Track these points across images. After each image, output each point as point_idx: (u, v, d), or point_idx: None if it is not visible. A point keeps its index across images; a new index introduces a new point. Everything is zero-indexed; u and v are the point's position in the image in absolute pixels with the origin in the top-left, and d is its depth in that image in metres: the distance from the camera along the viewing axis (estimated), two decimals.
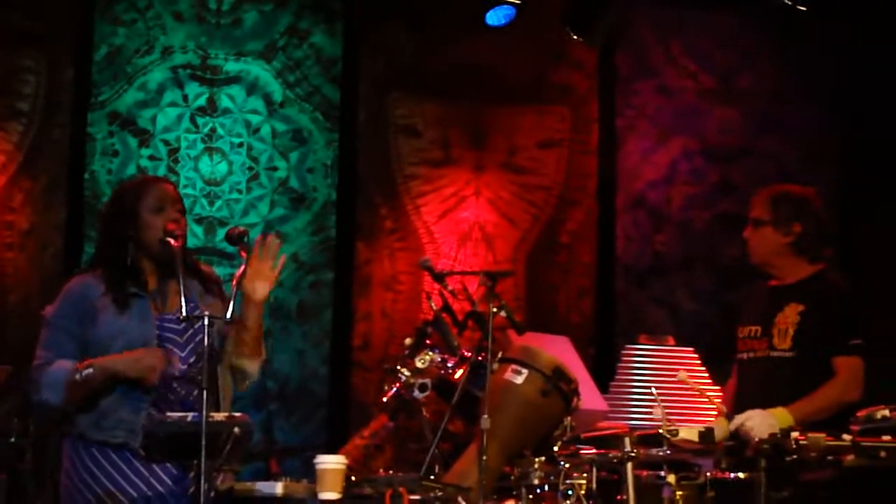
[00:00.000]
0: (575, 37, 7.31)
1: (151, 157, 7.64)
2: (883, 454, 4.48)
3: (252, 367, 4.55)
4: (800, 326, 5.33)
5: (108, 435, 4.33)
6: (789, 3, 7.36)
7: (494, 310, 4.66)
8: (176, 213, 4.49)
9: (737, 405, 5.28)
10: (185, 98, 7.71)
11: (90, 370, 4.28)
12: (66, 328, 4.43)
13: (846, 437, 4.52)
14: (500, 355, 4.77)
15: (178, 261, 4.34)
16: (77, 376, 4.28)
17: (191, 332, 4.40)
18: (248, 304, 4.40)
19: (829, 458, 4.50)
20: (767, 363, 5.39)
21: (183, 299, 4.21)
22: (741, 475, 4.70)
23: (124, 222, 4.49)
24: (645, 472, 4.73)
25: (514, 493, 4.57)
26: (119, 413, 4.33)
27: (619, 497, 4.65)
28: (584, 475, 4.58)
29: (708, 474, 4.73)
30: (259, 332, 4.51)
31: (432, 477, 4.40)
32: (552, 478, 4.55)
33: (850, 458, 4.50)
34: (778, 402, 5.11)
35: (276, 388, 7.55)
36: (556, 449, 4.71)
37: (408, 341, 5.09)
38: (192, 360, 4.40)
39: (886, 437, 4.57)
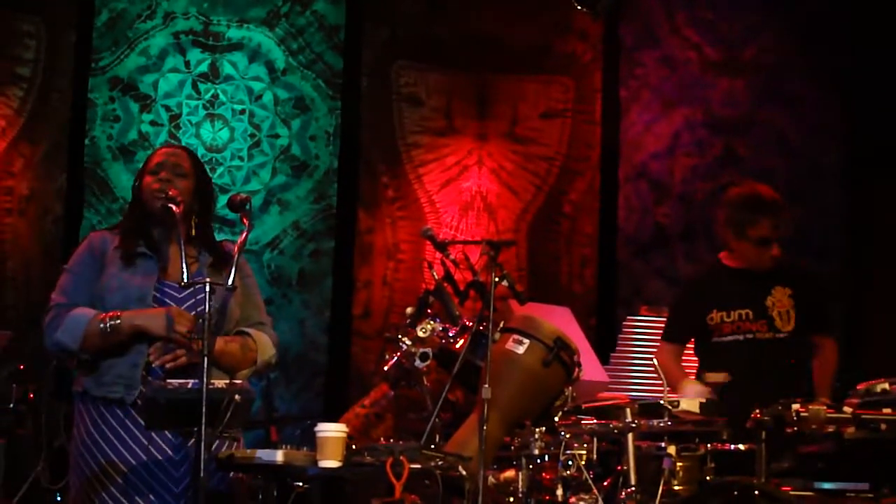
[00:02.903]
0: (579, 7, 7.27)
1: (153, 123, 7.63)
2: (884, 427, 4.47)
3: (238, 378, 4.51)
4: (797, 309, 5.70)
5: (107, 390, 4.34)
6: None
7: (496, 279, 4.64)
8: (166, 174, 4.49)
9: (739, 385, 5.30)
10: (188, 64, 7.69)
11: (118, 321, 4.28)
12: (82, 276, 4.46)
13: (847, 409, 4.51)
14: (501, 325, 4.75)
15: (178, 227, 4.32)
16: (102, 325, 4.28)
17: (192, 300, 4.39)
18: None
19: (830, 430, 4.49)
20: (771, 344, 5.68)
21: (184, 265, 4.20)
22: (741, 447, 4.70)
23: (137, 184, 4.55)
24: (646, 443, 4.73)
25: (515, 462, 4.56)
26: (117, 368, 4.34)
27: (619, 468, 4.65)
28: (585, 445, 4.58)
29: (708, 445, 4.73)
30: (224, 362, 4.45)
31: (433, 446, 4.39)
32: (553, 448, 4.54)
33: (851, 430, 4.49)
34: (782, 381, 5.48)
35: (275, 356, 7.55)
36: (556, 419, 4.70)
37: (409, 310, 5.07)
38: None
39: (887, 410, 4.56)
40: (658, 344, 6.03)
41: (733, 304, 5.73)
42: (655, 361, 5.09)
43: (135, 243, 4.47)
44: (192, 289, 4.32)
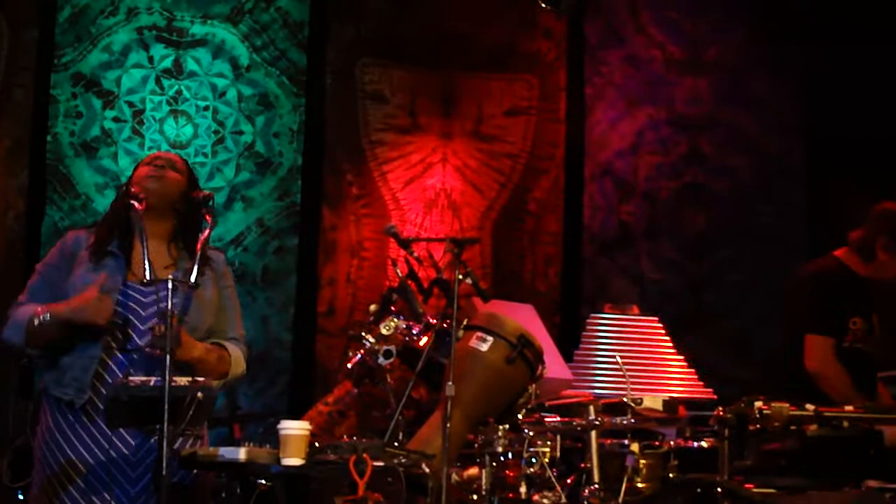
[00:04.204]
0: (544, 5, 7.28)
1: (116, 119, 7.58)
2: (845, 424, 4.50)
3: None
4: None
5: (61, 391, 4.34)
6: None
7: (460, 277, 4.65)
8: (161, 162, 4.51)
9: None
10: (151, 60, 7.65)
11: (46, 316, 4.29)
12: (48, 276, 4.47)
13: (809, 406, 4.55)
14: (465, 322, 4.75)
15: (140, 224, 4.31)
16: (35, 321, 4.29)
17: (156, 298, 4.37)
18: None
19: (792, 427, 4.52)
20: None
21: (147, 262, 4.18)
22: (704, 444, 4.72)
23: (127, 181, 4.55)
24: (609, 441, 4.74)
25: (478, 460, 4.57)
26: (73, 371, 4.33)
27: (582, 465, 4.66)
28: (549, 443, 4.59)
29: (671, 443, 4.75)
30: (200, 369, 4.44)
31: (396, 444, 4.39)
32: (516, 445, 4.55)
33: (813, 427, 4.52)
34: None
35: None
36: (520, 417, 4.71)
37: (372, 308, 5.07)
38: (152, 324, 4.37)
39: (849, 408, 4.60)
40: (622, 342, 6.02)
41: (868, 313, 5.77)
42: (818, 368, 5.19)
43: (106, 243, 4.45)
44: (155, 287, 4.30)
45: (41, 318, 4.30)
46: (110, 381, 4.25)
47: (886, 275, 5.75)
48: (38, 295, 4.43)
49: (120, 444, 4.32)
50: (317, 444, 4.17)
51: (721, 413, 4.56)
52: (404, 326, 4.93)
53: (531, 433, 4.58)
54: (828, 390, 5.42)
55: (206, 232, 4.30)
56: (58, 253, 4.52)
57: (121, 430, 4.28)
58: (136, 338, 4.37)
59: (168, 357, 3.99)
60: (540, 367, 4.82)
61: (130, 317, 4.38)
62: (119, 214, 4.49)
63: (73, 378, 4.33)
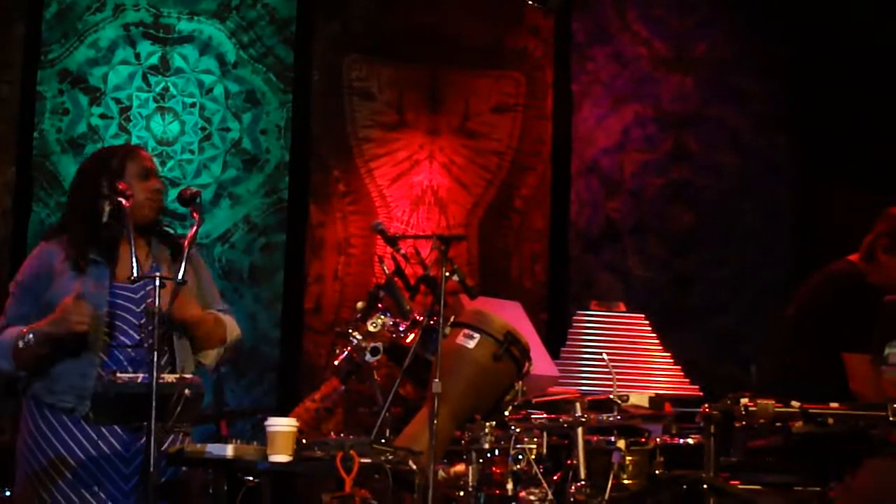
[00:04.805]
0: (531, 2, 7.29)
1: (103, 116, 7.57)
2: (831, 421, 4.51)
3: (206, 359, 4.55)
4: None
5: (58, 399, 4.33)
6: None
7: (447, 274, 4.65)
8: (160, 183, 4.53)
9: None
10: (137, 56, 7.64)
11: (29, 336, 4.28)
12: (25, 296, 4.46)
13: (794, 403, 4.56)
14: (452, 319, 4.76)
15: (128, 221, 4.30)
16: (20, 342, 4.28)
17: (147, 297, 4.38)
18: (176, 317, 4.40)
19: (778, 424, 4.53)
20: None
21: (134, 260, 4.18)
22: (690, 441, 4.73)
23: (106, 183, 4.47)
24: (595, 437, 4.75)
25: (465, 457, 4.57)
26: (69, 379, 4.32)
27: (568, 462, 4.67)
28: (535, 440, 4.59)
29: (657, 440, 4.76)
30: (201, 330, 4.49)
31: (383, 440, 4.39)
32: (503, 442, 4.56)
33: (799, 424, 4.54)
34: None
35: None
36: (506, 413, 4.72)
37: (360, 305, 5.07)
38: (142, 321, 4.38)
39: (834, 405, 4.61)
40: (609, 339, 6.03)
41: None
42: (862, 388, 5.22)
43: (86, 251, 4.43)
44: (143, 284, 4.31)
45: (25, 338, 4.29)
46: (101, 373, 4.25)
47: (884, 277, 5.73)
48: (17, 318, 4.40)
49: (112, 440, 4.32)
50: (304, 441, 4.18)
51: (707, 410, 4.56)
52: (391, 323, 4.93)
53: (518, 430, 4.58)
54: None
55: (194, 229, 4.30)
56: (30, 270, 4.49)
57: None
58: (132, 335, 4.38)
59: (155, 355, 4.00)
60: (527, 364, 4.82)
61: (124, 315, 4.39)
62: (94, 212, 4.45)
63: (69, 386, 4.32)
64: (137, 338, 4.37)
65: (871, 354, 5.66)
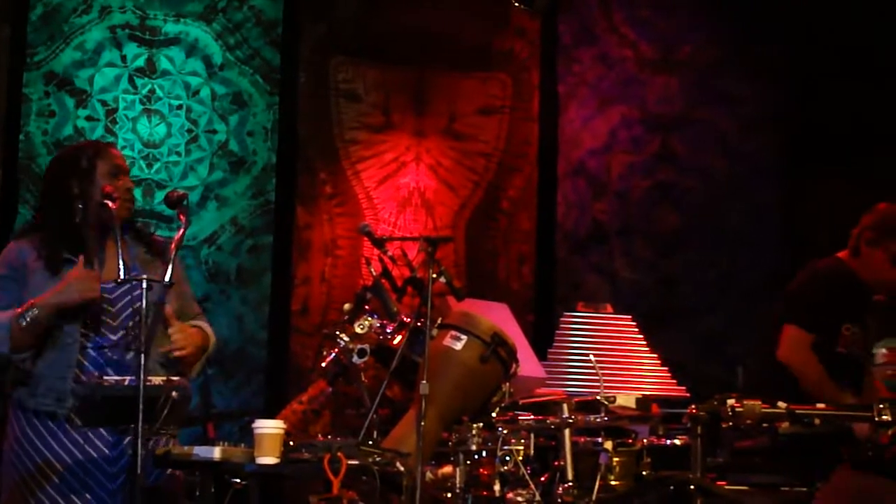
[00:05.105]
0: (517, 4, 7.30)
1: (89, 118, 7.56)
2: (817, 421, 4.53)
3: (192, 372, 4.56)
4: None
5: (39, 403, 4.32)
6: None
7: (434, 276, 4.65)
8: (130, 182, 4.51)
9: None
10: (124, 58, 7.63)
11: (34, 311, 4.25)
12: (8, 285, 4.43)
13: (781, 404, 4.57)
14: (439, 321, 4.76)
15: (115, 223, 4.30)
16: (22, 321, 4.25)
17: (128, 297, 4.37)
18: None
19: (765, 425, 4.54)
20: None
21: (121, 262, 4.17)
22: (677, 442, 4.74)
23: (76, 183, 4.46)
24: (582, 439, 4.76)
25: (452, 458, 4.58)
26: (47, 381, 4.31)
27: (556, 463, 4.68)
28: (522, 441, 4.60)
29: (644, 441, 4.77)
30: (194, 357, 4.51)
31: (370, 442, 4.39)
32: (490, 444, 4.56)
33: (785, 425, 4.55)
34: None
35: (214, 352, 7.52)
36: (494, 415, 4.72)
37: (347, 307, 5.07)
38: (129, 324, 4.37)
39: (820, 405, 4.62)
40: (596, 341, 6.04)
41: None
42: (790, 357, 5.15)
43: (59, 250, 4.41)
44: (128, 286, 4.30)
45: (28, 314, 4.27)
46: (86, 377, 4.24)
47: (870, 272, 5.71)
48: (5, 302, 4.36)
49: (98, 442, 4.31)
50: (291, 443, 4.18)
51: (694, 411, 4.57)
52: (378, 325, 4.94)
53: (505, 431, 4.59)
54: (800, 380, 5.34)
55: (181, 231, 4.29)
56: (5, 263, 4.47)
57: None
58: (108, 336, 4.37)
59: (143, 356, 3.99)
60: (514, 366, 4.83)
61: (101, 317, 4.38)
62: (67, 212, 4.44)
63: (48, 388, 4.31)
64: (114, 339, 4.36)
65: (815, 336, 5.61)
